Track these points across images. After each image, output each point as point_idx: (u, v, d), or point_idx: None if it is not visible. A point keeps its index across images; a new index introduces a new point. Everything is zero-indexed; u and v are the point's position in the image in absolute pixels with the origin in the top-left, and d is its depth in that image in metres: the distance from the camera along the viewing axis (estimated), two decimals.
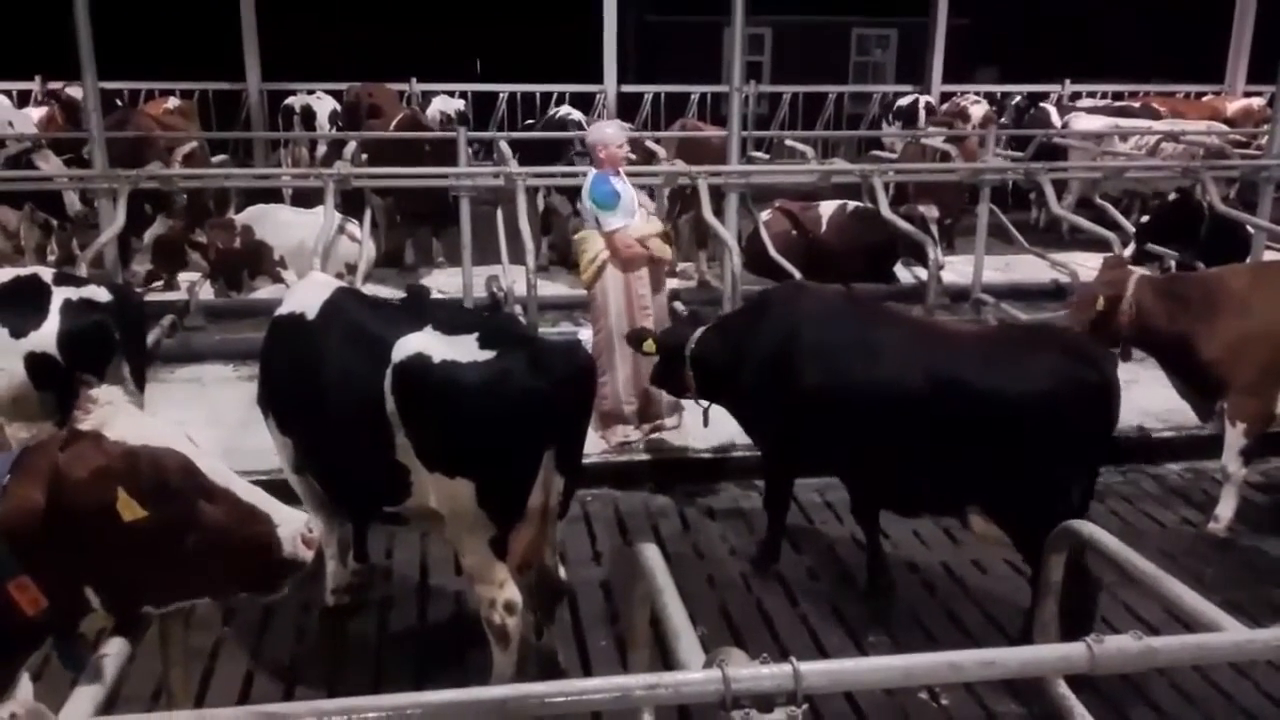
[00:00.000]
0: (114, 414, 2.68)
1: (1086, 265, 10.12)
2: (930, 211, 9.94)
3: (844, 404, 4.88)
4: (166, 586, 2.68)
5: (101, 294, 5.62)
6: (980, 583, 5.56)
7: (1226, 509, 5.97)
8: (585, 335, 7.40)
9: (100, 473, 2.51)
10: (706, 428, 6.04)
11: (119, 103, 12.81)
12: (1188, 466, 6.95)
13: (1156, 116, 14.67)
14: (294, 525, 2.68)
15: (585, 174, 6.98)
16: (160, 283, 9.62)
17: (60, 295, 5.51)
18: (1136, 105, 15.96)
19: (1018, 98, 16.59)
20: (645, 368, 6.38)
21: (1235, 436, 5.88)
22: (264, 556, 2.64)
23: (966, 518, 5.01)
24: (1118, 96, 17.97)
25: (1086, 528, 3.31)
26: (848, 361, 4.90)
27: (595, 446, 6.49)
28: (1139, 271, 6.15)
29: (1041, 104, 15.79)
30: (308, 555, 2.68)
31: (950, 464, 4.70)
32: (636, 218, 6.64)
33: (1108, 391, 4.58)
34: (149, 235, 9.57)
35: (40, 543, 2.54)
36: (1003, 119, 15.30)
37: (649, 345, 5.87)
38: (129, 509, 2.51)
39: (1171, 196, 10.33)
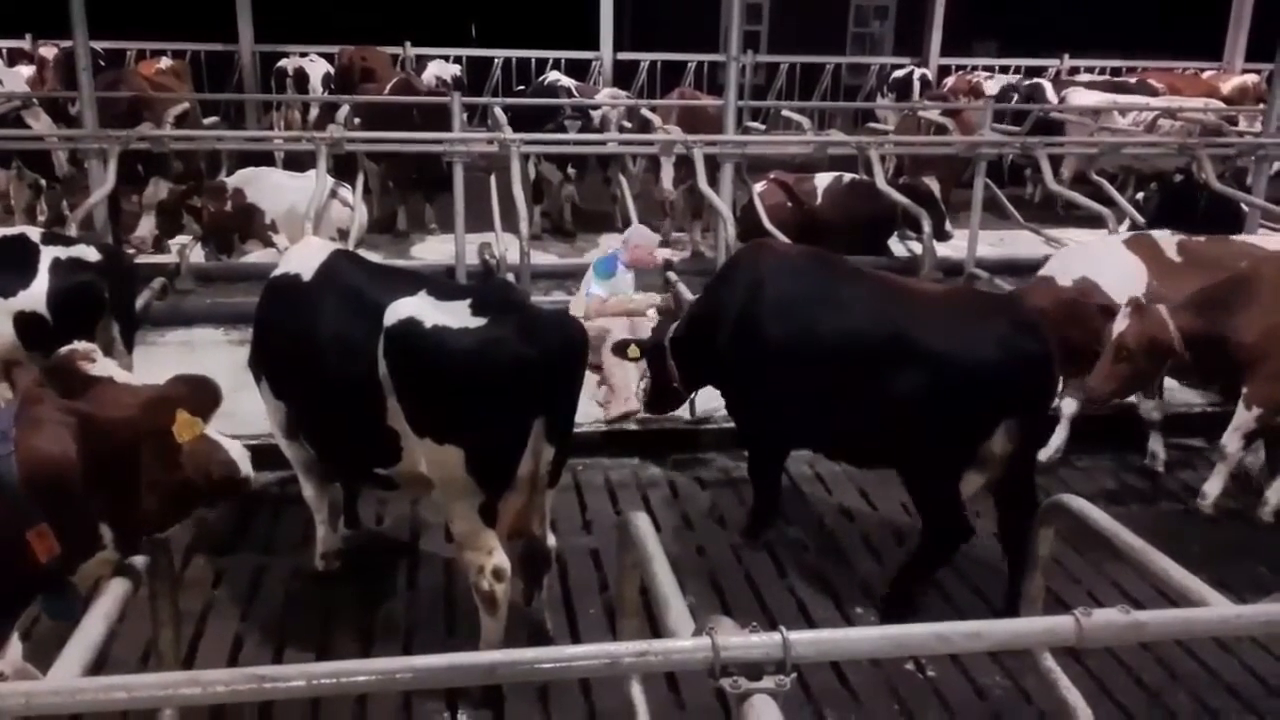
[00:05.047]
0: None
1: (1081, 241, 10.12)
2: (933, 185, 9.88)
3: (799, 356, 4.91)
4: (164, 510, 3.00)
5: (91, 253, 5.61)
6: (967, 555, 5.56)
7: (1215, 487, 5.95)
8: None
9: (149, 404, 2.86)
10: (693, 417, 6.19)
11: (100, 64, 12.62)
12: (1177, 444, 6.94)
13: (1154, 93, 14.61)
14: (237, 446, 3.20)
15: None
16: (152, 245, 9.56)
17: (49, 254, 5.50)
18: (1133, 81, 15.90)
19: (1016, 79, 16.51)
20: None
21: (1246, 419, 5.80)
22: (228, 474, 3.13)
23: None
24: (1115, 72, 17.90)
25: (1076, 503, 3.33)
26: (805, 315, 4.93)
27: (587, 416, 6.48)
28: (1161, 306, 5.79)
29: (1038, 79, 15.72)
30: (251, 471, 3.23)
31: (880, 417, 4.70)
32: (629, 290, 7.44)
33: (1048, 366, 4.62)
34: (147, 197, 9.49)
35: (71, 489, 2.63)
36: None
37: (633, 351, 6.06)
38: (189, 428, 2.91)
39: (1177, 178, 10.31)
